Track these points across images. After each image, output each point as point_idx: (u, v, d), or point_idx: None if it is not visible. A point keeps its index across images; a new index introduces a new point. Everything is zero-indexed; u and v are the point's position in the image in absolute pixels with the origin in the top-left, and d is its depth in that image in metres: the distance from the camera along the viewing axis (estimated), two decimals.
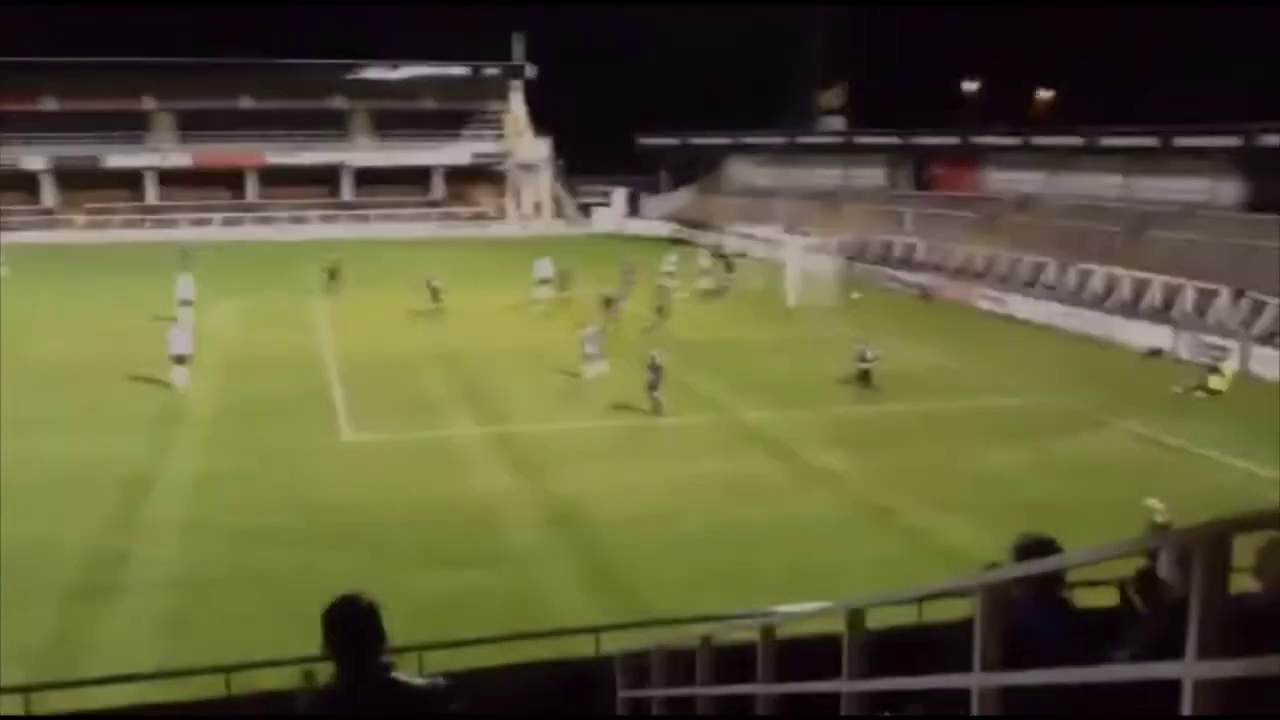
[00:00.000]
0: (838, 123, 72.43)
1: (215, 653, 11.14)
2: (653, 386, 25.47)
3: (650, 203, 77.24)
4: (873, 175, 65.24)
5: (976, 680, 3.67)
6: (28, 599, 14.75)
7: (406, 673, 3.93)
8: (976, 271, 46.07)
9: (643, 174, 78.77)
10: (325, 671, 4.03)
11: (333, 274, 42.04)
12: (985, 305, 41.78)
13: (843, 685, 4.90)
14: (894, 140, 63.44)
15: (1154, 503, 14.11)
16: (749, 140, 73.00)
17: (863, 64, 64.67)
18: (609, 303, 35.94)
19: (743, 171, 73.73)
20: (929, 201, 57.34)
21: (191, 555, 16.64)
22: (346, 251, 47.76)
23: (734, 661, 7.94)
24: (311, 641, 10.93)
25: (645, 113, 71.28)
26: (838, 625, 5.16)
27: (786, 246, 44.68)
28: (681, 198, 76.55)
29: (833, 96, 73.50)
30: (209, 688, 7.69)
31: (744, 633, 8.48)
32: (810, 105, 74.28)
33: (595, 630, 8.75)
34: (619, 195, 76.43)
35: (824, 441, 22.95)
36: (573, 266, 41.83)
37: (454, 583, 15.39)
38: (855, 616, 5.01)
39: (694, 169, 76.20)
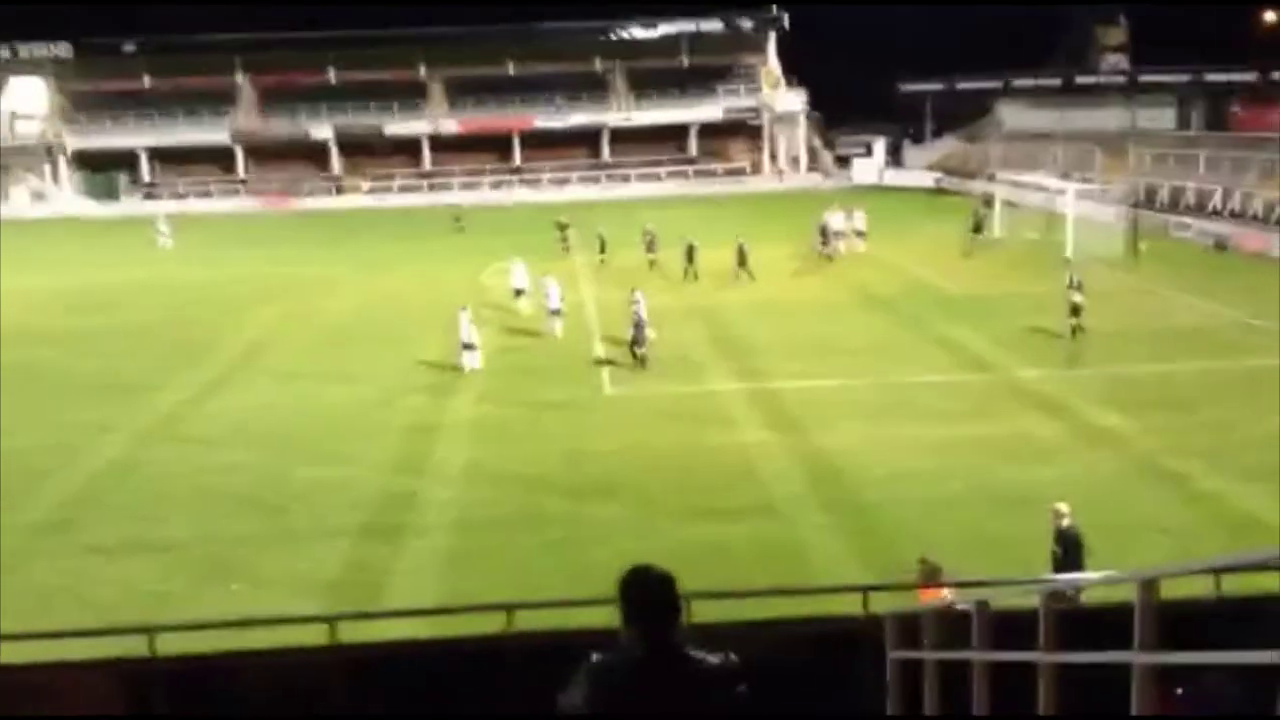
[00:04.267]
0: (1120, 60, 67.63)
1: (494, 591, 11.70)
2: (635, 342, 25.07)
3: (913, 152, 74.80)
4: (1161, 116, 60.38)
5: None
6: (325, 535, 16.00)
7: (700, 649, 3.90)
8: None
9: (904, 122, 76.31)
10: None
11: (564, 238, 43.21)
12: None
13: (1134, 657, 4.55)
14: (1184, 78, 58.55)
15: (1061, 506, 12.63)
16: (1020, 82, 69.27)
17: None
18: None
19: (1013, 115, 70.06)
20: (1226, 143, 52.67)
21: (470, 498, 17.53)
22: (605, 212, 48.83)
23: (1011, 627, 7.60)
24: (578, 584, 11.27)
25: (906, 57, 68.92)
26: (1125, 594, 4.81)
27: (1064, 194, 42.16)
28: (946, 145, 73.70)
29: (1114, 32, 68.69)
30: (491, 624, 8.05)
31: (1021, 598, 8.10)
32: (1088, 42, 69.70)
33: (864, 589, 8.55)
34: (878, 145, 74.32)
35: (1104, 401, 21.60)
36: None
37: (714, 534, 15.51)
38: (1148, 586, 4.65)
39: (960, 115, 73.06)
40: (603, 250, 39.40)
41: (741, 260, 35.95)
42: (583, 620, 7.91)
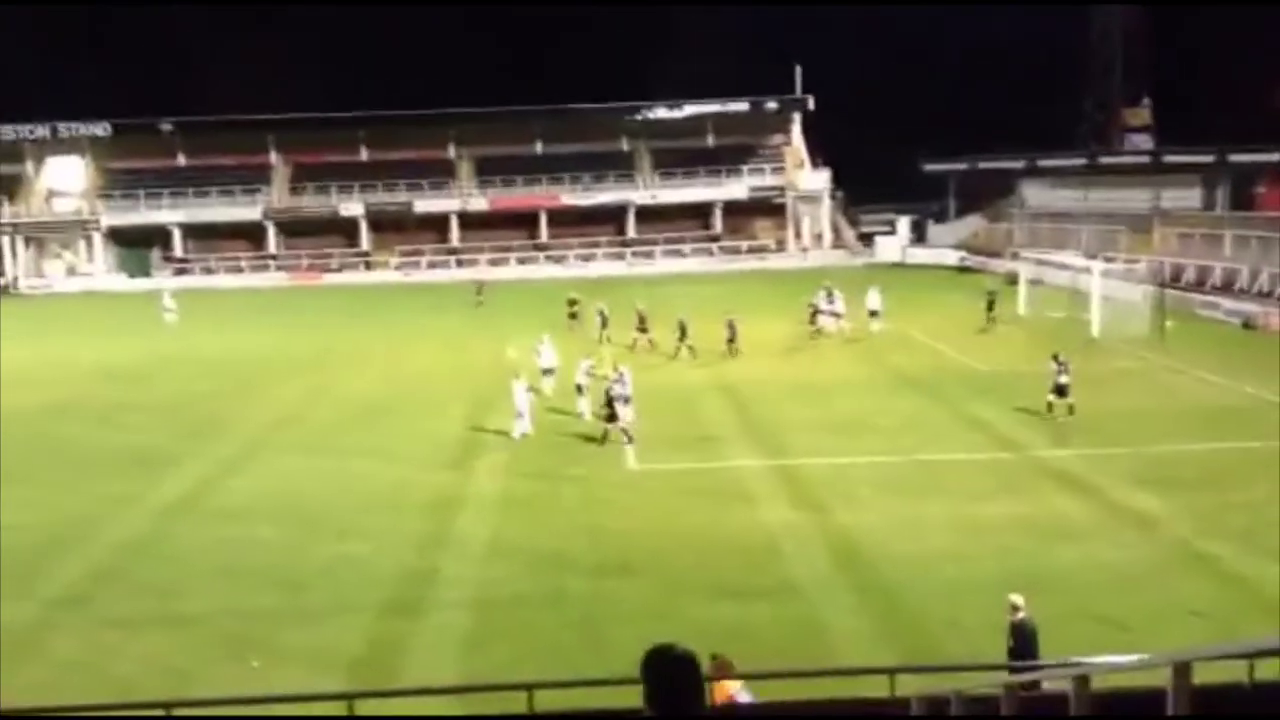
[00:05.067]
0: (1144, 140, 68.00)
1: (514, 670, 11.57)
2: (610, 418, 25.06)
3: (936, 230, 75.17)
4: (1186, 196, 60.50)
5: None
6: (345, 611, 15.90)
7: None
8: None
9: (927, 200, 76.86)
10: None
11: (573, 314, 43.45)
12: None
13: None
14: (1208, 158, 58.71)
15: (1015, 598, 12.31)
16: (1044, 162, 69.71)
17: (1170, 73, 60.51)
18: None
19: (1037, 195, 70.45)
20: (1252, 223, 52.63)
21: (490, 575, 17.41)
22: (629, 288, 49.14)
23: (1041, 711, 7.44)
24: (599, 663, 11.10)
25: (930, 137, 69.63)
26: (1158, 679, 4.72)
27: (1090, 273, 42.15)
28: (970, 224, 74.07)
29: (1138, 113, 69.19)
30: (511, 704, 7.95)
31: (1053, 682, 7.95)
32: (1111, 122, 70.24)
33: (891, 670, 8.41)
34: (902, 223, 74.78)
35: (1134, 481, 21.34)
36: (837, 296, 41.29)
37: (737, 614, 15.31)
38: (1181, 670, 4.57)
39: (983, 194, 73.52)
40: (604, 326, 39.60)
41: (731, 336, 36.38)
42: (604, 700, 7.82)
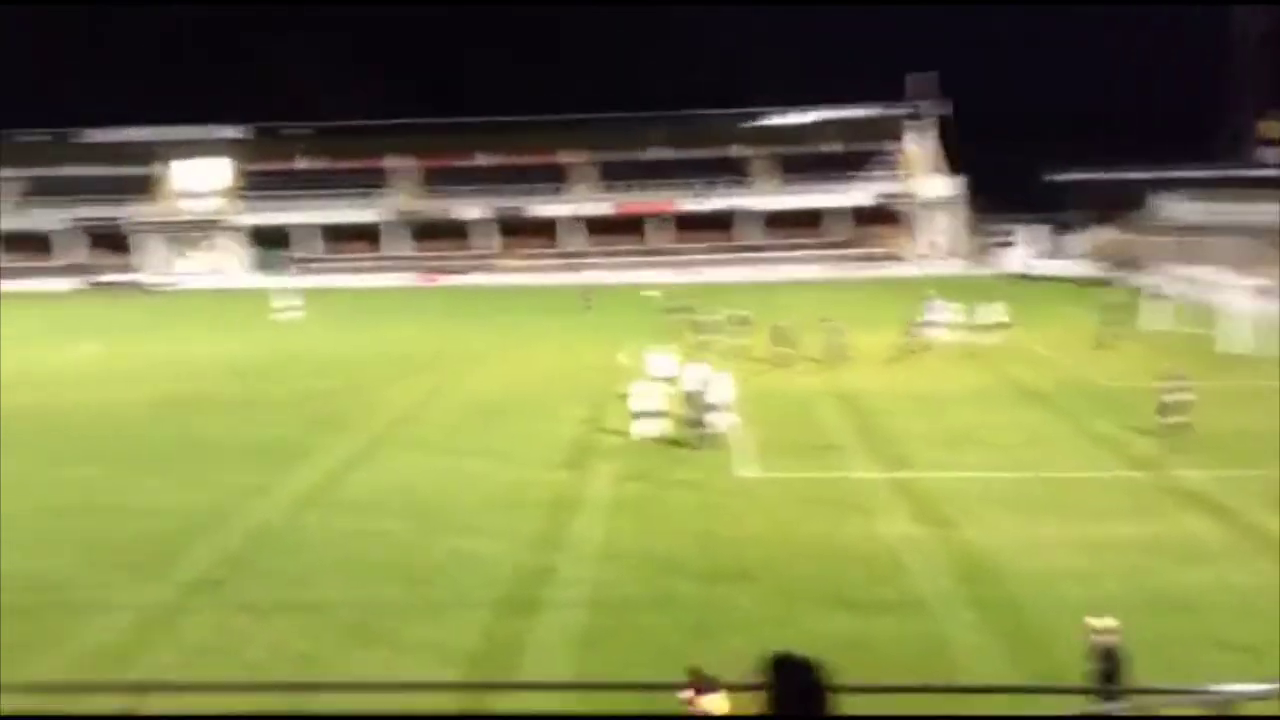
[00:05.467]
0: (1277, 155, 65.19)
1: (627, 671, 11.61)
2: (695, 423, 24.85)
3: (1063, 241, 73.11)
4: None
5: None
6: (464, 606, 16.16)
7: None
8: None
9: (1055, 211, 74.80)
10: None
11: (677, 321, 43.36)
12: None
13: None
14: None
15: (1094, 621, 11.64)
16: (1177, 174, 67.26)
17: None
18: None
19: (1170, 207, 67.99)
20: None
21: (605, 577, 17.49)
22: (747, 295, 48.81)
23: None
24: (716, 668, 11.02)
25: (1060, 146, 67.77)
26: None
27: (1224, 288, 40.47)
28: (1099, 236, 71.86)
29: (1274, 125, 66.33)
30: (627, 703, 7.97)
31: (1185, 709, 7.66)
32: (1248, 133, 67.46)
33: (1016, 690, 8.20)
34: (1029, 234, 72.90)
35: (1268, 503, 20.40)
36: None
37: (855, 627, 15.10)
38: None
39: (1113, 205, 71.24)
40: (700, 333, 39.64)
41: (832, 346, 36.16)
42: (717, 706, 7.78)
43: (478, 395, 32.85)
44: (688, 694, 9.00)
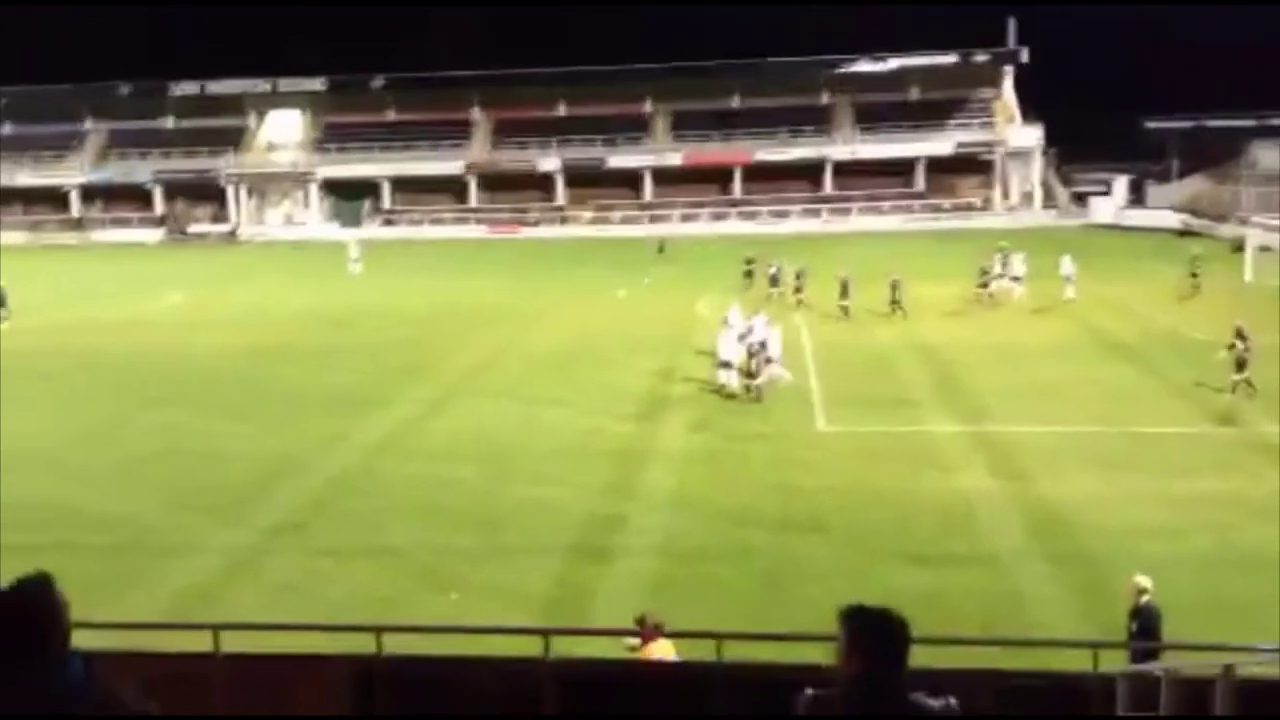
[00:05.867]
0: None
1: (698, 620, 11.64)
2: (751, 372, 24.58)
3: (1156, 191, 70.89)
4: None
5: None
6: (536, 552, 16.36)
7: (920, 693, 3.73)
8: None
9: (1147, 160, 72.49)
10: None
11: (748, 273, 43.02)
12: None
13: None
14: None
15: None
16: (1277, 121, 64.59)
17: None
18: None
19: (1270, 156, 65.40)
20: None
21: (676, 526, 17.56)
22: (823, 246, 48.36)
23: (1260, 697, 6.98)
24: (785, 620, 11.05)
25: (1152, 92, 65.52)
26: None
27: None
28: (1193, 185, 69.54)
29: None
30: (698, 651, 8.00)
31: (1273, 668, 7.46)
32: None
33: (1096, 645, 8.04)
34: (1119, 183, 70.76)
35: None
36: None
37: (929, 580, 14.97)
38: None
39: (1209, 154, 68.76)
40: (774, 284, 39.59)
41: (895, 297, 35.66)
42: (792, 655, 7.77)
43: (552, 345, 33.04)
44: (635, 641, 9.04)
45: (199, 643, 8.06)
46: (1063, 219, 69.09)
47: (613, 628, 11.49)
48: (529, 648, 7.72)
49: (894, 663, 3.70)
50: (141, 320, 39.81)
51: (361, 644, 7.55)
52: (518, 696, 7.15)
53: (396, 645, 7.61)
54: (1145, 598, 11.40)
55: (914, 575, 15.11)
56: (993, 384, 26.60)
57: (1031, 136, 73.37)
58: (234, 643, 7.54)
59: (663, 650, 9.25)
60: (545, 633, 7.32)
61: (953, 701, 3.82)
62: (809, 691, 3.88)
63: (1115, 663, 9.06)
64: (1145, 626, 11.11)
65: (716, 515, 17.95)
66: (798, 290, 38.37)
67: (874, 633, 3.73)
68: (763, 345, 26.06)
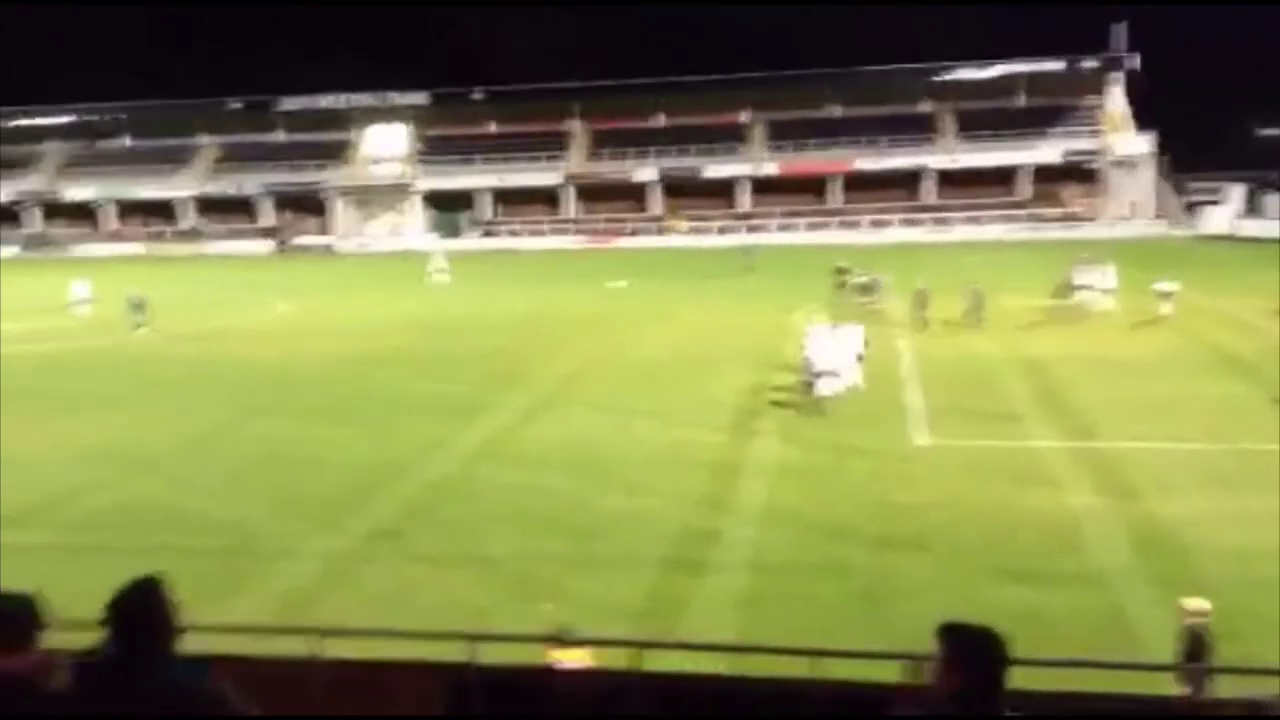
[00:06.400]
0: None
1: (793, 636, 11.53)
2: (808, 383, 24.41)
3: (1272, 201, 68.36)
4: None
5: None
6: (629, 564, 16.36)
7: (1018, 715, 3.66)
8: None
9: (1263, 169, 69.91)
10: None
11: (841, 284, 42.45)
12: None
13: None
14: None
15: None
16: None
17: None
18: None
19: None
20: None
21: (770, 540, 17.40)
22: (926, 256, 47.69)
23: None
24: (881, 638, 10.89)
25: (1268, 99, 63.20)
26: None
27: None
28: None
29: None
30: (791, 668, 7.90)
31: None
32: None
33: (1205, 670, 7.75)
34: (1234, 192, 68.36)
35: None
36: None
37: (1030, 599, 14.57)
38: None
39: None
40: (866, 294, 39.25)
41: (975, 307, 35.14)
42: (886, 674, 7.63)
43: (646, 356, 33.11)
44: (552, 651, 8.98)
45: (299, 647, 8.26)
46: (1174, 229, 67.02)
47: (707, 642, 11.43)
48: (622, 660, 7.73)
49: (992, 681, 3.67)
50: (250, 329, 41.01)
51: (456, 652, 7.65)
52: (610, 708, 7.15)
53: (491, 654, 7.68)
54: (1190, 620, 11.06)
55: (1015, 593, 14.73)
56: (1097, 398, 25.88)
57: (1142, 144, 71.42)
58: (332, 648, 7.69)
59: (579, 659, 9.25)
60: (638, 645, 7.31)
61: None
62: (903, 709, 3.84)
63: (1223, 690, 8.73)
64: (1192, 651, 10.76)
65: (812, 530, 17.76)
66: (874, 301, 37.83)
67: (973, 650, 3.70)
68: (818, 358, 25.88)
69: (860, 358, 27.92)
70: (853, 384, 26.20)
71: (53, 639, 4.21)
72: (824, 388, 25.38)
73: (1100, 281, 37.96)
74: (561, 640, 9.03)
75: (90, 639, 4.96)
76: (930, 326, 35.26)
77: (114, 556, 15.08)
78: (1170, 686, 9.72)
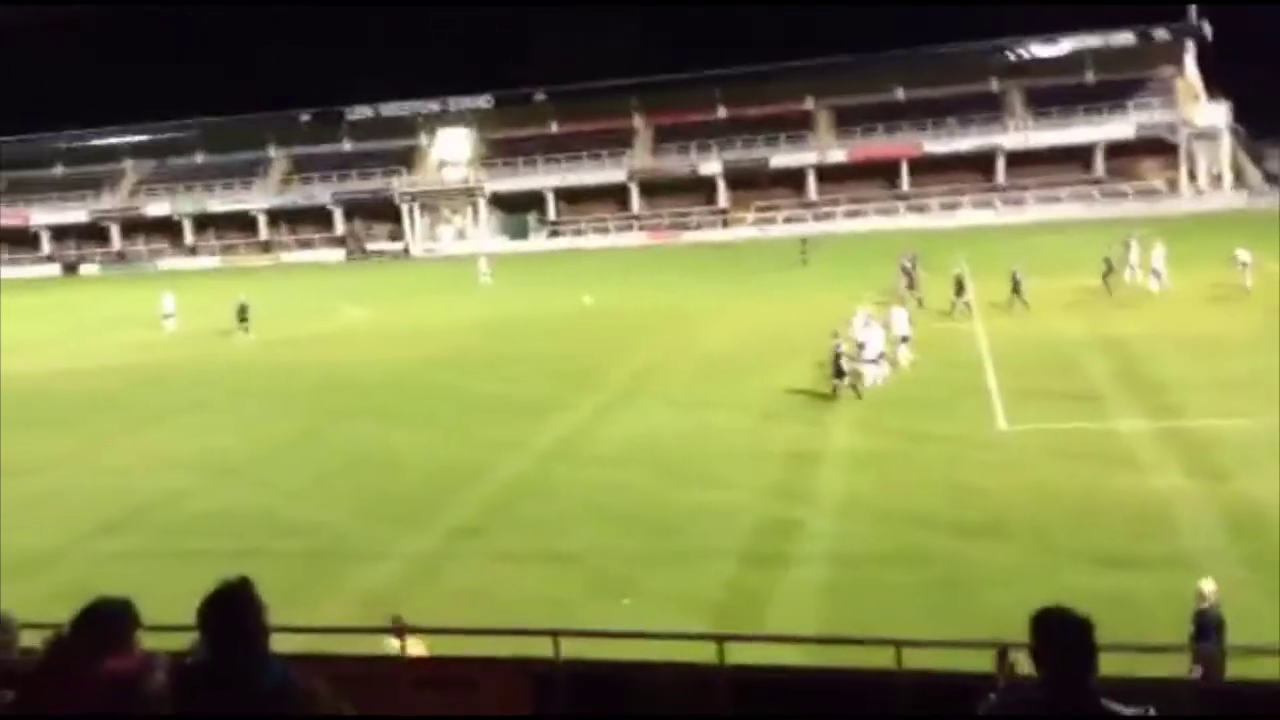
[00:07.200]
0: None
1: (876, 626, 11.43)
2: (837, 373, 24.25)
3: None
4: None
5: None
6: (708, 557, 16.36)
7: (1114, 701, 3.61)
8: None
9: None
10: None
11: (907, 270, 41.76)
12: None
13: None
14: None
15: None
16: None
17: None
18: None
19: None
20: None
21: (849, 530, 17.29)
22: (999, 237, 46.88)
23: None
24: (966, 626, 10.76)
25: None
26: None
27: None
28: None
29: None
30: (876, 658, 7.85)
31: None
32: None
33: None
34: None
35: None
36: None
37: (1119, 583, 14.27)
38: None
39: None
40: (911, 286, 38.20)
41: (1015, 289, 34.91)
42: (972, 663, 7.54)
43: (717, 349, 33.05)
44: (396, 642, 8.94)
45: (385, 646, 8.39)
46: (1255, 200, 65.11)
47: (789, 634, 11.40)
48: (703, 653, 7.74)
49: (1084, 667, 3.64)
50: (326, 336, 41.72)
51: (539, 648, 7.72)
52: (693, 701, 7.16)
53: (573, 650, 7.74)
54: (1204, 603, 10.98)
55: (1102, 578, 14.43)
56: (1180, 376, 25.26)
57: (1218, 115, 69.51)
58: (415, 646, 7.80)
59: (417, 648, 9.25)
60: (720, 638, 7.31)
61: (1151, 711, 3.71)
62: (992, 696, 3.82)
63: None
64: (1203, 631, 10.79)
65: (891, 518, 17.59)
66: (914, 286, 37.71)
67: (1065, 637, 3.68)
68: (861, 346, 26.15)
69: (905, 339, 28.23)
70: (899, 366, 26.43)
71: (147, 641, 4.35)
72: (868, 374, 25.74)
73: (1151, 261, 37.20)
74: (400, 629, 9.17)
75: (184, 641, 5.11)
76: (970, 311, 34.83)
77: (207, 560, 15.45)
78: (1272, 670, 9.45)
